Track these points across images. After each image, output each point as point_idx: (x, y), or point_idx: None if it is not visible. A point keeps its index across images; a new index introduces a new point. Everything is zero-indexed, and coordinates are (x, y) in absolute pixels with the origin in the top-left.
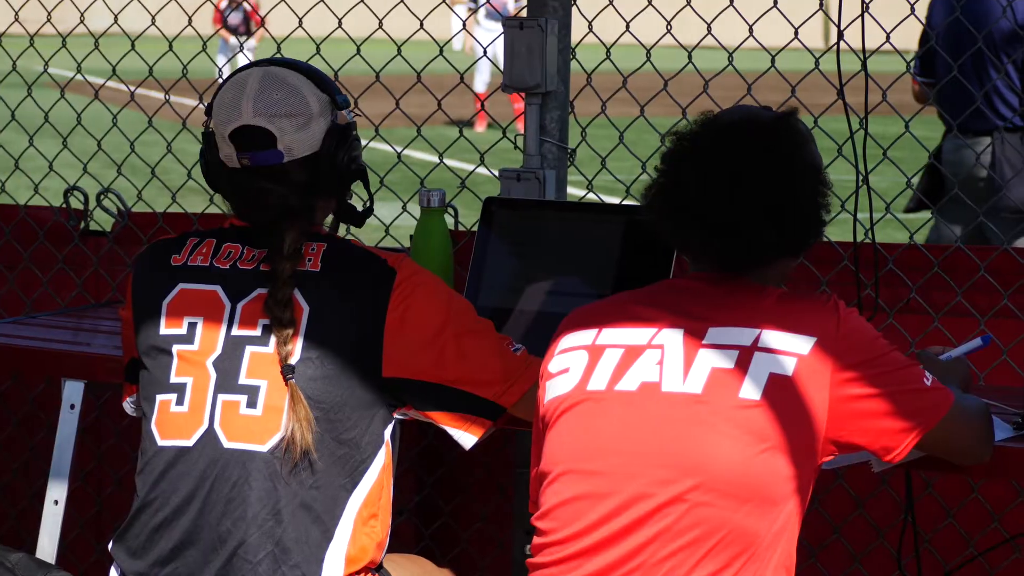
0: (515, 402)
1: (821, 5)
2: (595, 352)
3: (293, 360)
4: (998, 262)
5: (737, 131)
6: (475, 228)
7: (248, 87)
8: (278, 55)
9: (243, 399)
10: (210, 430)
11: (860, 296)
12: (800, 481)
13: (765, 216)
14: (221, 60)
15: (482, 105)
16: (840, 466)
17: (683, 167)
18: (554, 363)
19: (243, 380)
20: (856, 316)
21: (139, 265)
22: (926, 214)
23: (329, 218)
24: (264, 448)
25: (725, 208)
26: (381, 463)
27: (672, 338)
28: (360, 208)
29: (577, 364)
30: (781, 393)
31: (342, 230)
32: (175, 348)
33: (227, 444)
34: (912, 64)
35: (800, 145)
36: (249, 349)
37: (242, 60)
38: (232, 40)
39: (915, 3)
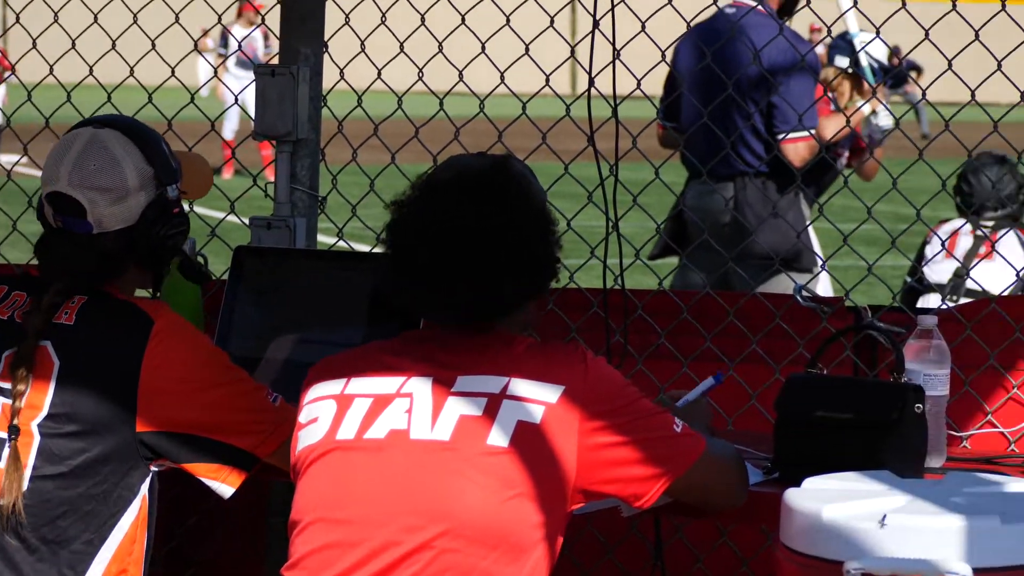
0: (272, 451)
1: (572, 52)
2: (344, 401)
3: (39, 416)
4: (747, 307)
5: (451, 188)
6: (225, 277)
7: (71, 151)
8: (30, 102)
9: None
10: None
11: (609, 342)
12: (549, 528)
13: (493, 268)
14: None
15: (233, 153)
16: (592, 511)
17: (405, 234)
18: (304, 413)
19: None
20: (603, 365)
21: None
22: (675, 259)
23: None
24: (3, 501)
25: (452, 268)
26: (133, 516)
27: (421, 386)
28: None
29: (326, 414)
30: (529, 441)
31: None
32: None
33: None
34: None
35: (517, 191)
36: (1, 401)
37: None
38: None
39: (666, 50)
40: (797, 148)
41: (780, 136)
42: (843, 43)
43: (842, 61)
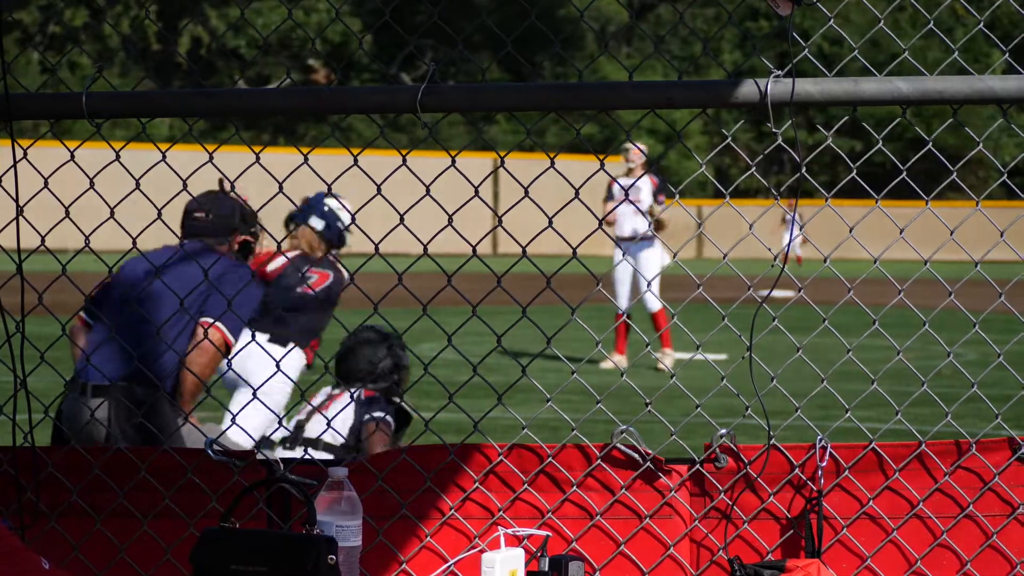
0: None
1: None
2: None
3: None
4: (158, 462)
5: None
6: None
7: None
8: None
9: None
10: None
11: (21, 500)
12: None
13: None
14: None
15: None
16: None
17: None
18: None
19: None
20: None
21: None
22: None
23: None
24: None
25: None
26: None
27: None
28: None
29: None
30: None
31: None
32: None
33: None
34: None
35: None
36: None
37: None
38: None
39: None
40: None
41: None
42: (319, 205)
43: (317, 223)
